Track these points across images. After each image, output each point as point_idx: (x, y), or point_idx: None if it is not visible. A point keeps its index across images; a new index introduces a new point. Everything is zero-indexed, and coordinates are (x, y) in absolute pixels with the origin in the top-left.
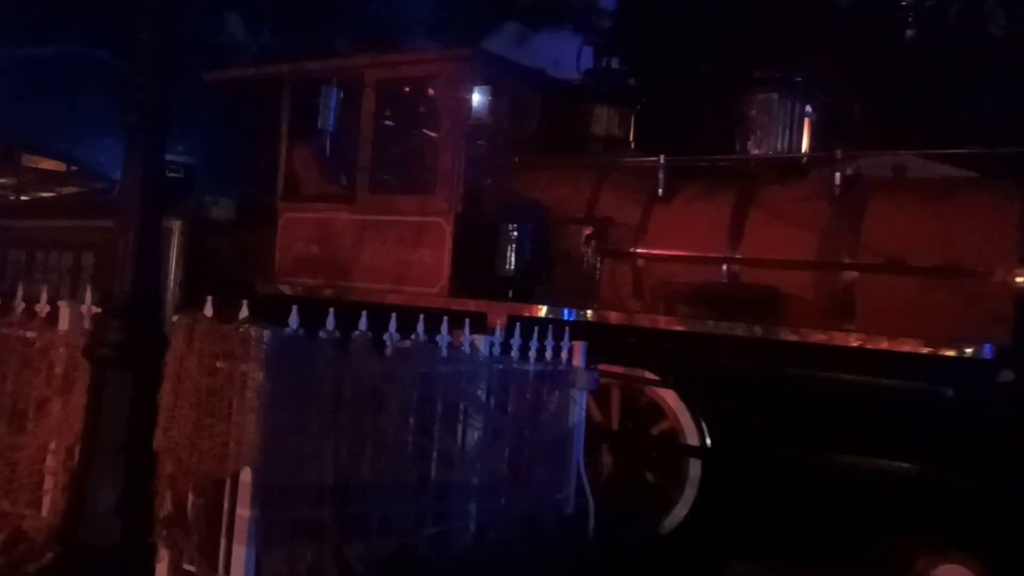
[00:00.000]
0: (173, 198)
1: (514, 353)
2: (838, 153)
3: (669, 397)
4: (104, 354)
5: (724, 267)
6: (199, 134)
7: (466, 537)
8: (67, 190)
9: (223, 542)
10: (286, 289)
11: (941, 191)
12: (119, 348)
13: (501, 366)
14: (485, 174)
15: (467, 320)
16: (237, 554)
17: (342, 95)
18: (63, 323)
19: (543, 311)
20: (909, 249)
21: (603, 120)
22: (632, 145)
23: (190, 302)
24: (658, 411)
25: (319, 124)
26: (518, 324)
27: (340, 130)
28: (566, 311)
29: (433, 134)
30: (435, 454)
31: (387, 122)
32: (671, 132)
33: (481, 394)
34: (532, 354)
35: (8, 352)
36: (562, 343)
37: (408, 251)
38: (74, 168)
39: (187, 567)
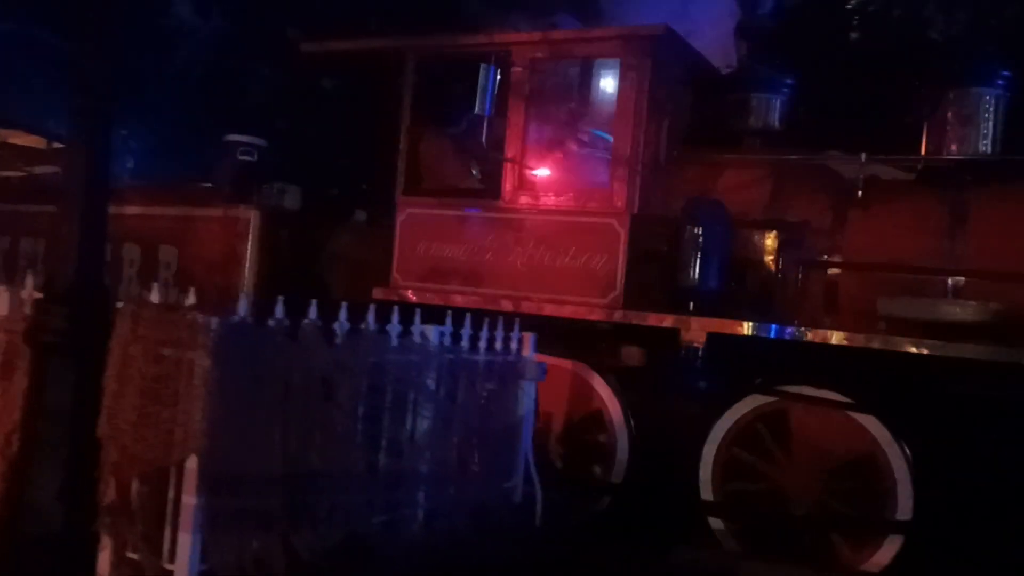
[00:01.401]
0: (246, 185)
1: (464, 343)
2: None
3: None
4: (46, 340)
5: (948, 282)
6: (281, 113)
7: (415, 525)
8: (41, 169)
9: (168, 530)
10: (411, 295)
11: None
12: (62, 334)
13: (451, 356)
14: (660, 170)
15: (412, 312)
16: (182, 542)
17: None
18: (2, 308)
19: (746, 328)
20: None
21: (761, 112)
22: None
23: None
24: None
25: (475, 108)
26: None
27: (480, 116)
28: (775, 328)
29: (601, 123)
30: (384, 443)
31: (541, 108)
32: (837, 127)
33: (431, 383)
34: (482, 345)
35: None
36: (512, 334)
37: (570, 256)
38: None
39: (131, 555)
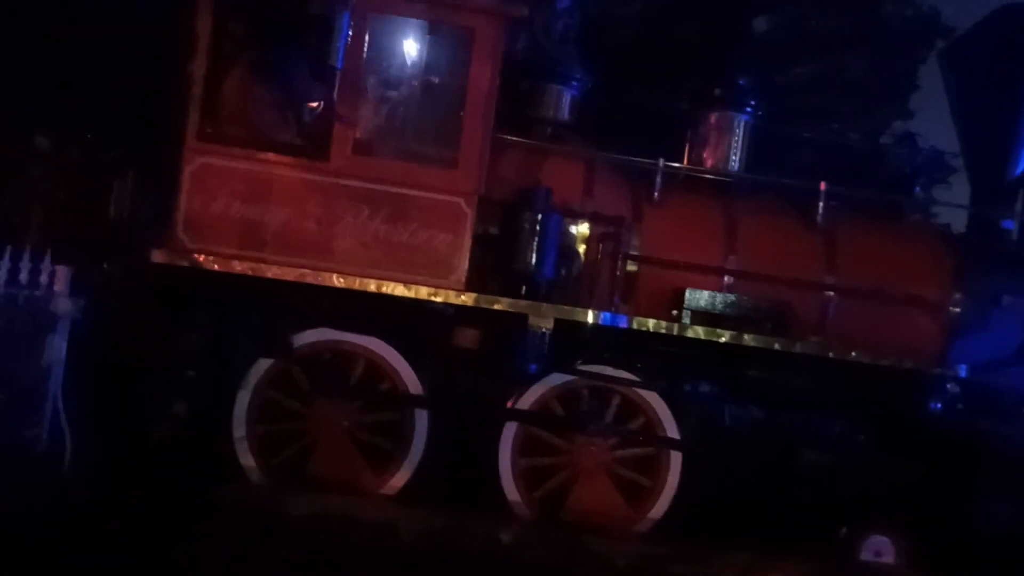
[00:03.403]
0: None
1: None
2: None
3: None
4: None
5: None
6: None
7: None
8: None
9: None
10: (206, 262)
11: None
12: None
13: None
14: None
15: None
16: None
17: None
18: None
19: (590, 316)
20: None
21: (552, 103)
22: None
23: None
24: None
25: (328, 60)
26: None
27: (330, 67)
28: (620, 319)
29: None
30: None
31: (385, 66)
32: (616, 129)
33: None
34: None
35: None
36: (42, 266)
37: (410, 232)
38: None
39: None
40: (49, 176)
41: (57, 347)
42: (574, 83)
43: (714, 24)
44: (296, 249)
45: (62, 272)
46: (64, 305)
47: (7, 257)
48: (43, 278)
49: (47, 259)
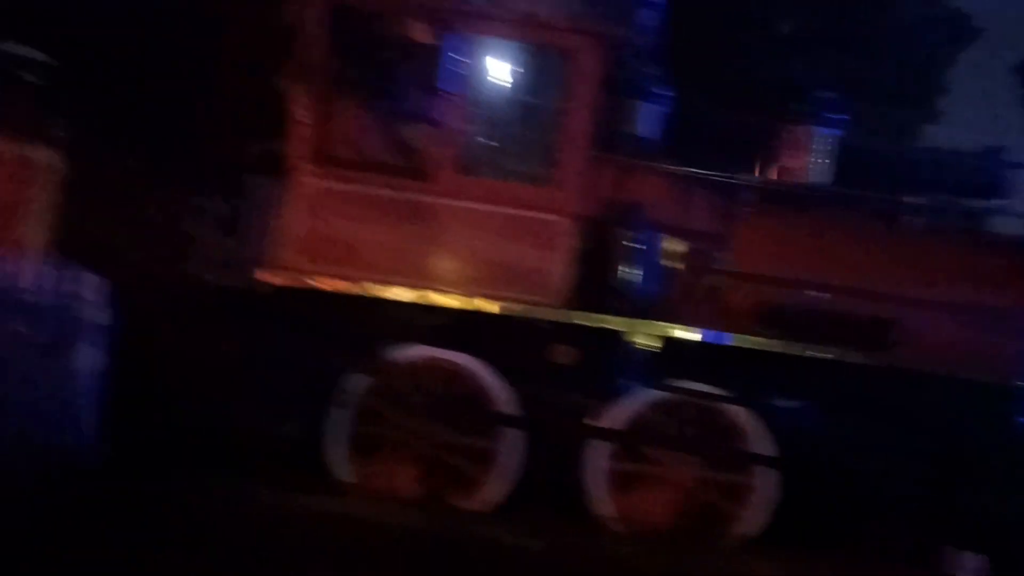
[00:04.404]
0: (33, 115)
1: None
2: None
3: None
4: None
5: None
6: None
7: None
8: None
9: None
10: (317, 283)
11: None
12: None
13: None
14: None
15: None
16: None
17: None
18: None
19: (690, 333)
20: None
21: (639, 118)
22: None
23: None
24: None
25: (433, 83)
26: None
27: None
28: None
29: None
30: None
31: (487, 87)
32: (702, 143)
33: None
34: (35, 285)
35: None
36: (74, 274)
37: (511, 250)
38: None
39: None
40: (136, 193)
41: (90, 355)
42: (660, 98)
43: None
44: (398, 267)
45: (94, 281)
46: (94, 312)
47: (46, 267)
48: (75, 287)
49: (80, 269)
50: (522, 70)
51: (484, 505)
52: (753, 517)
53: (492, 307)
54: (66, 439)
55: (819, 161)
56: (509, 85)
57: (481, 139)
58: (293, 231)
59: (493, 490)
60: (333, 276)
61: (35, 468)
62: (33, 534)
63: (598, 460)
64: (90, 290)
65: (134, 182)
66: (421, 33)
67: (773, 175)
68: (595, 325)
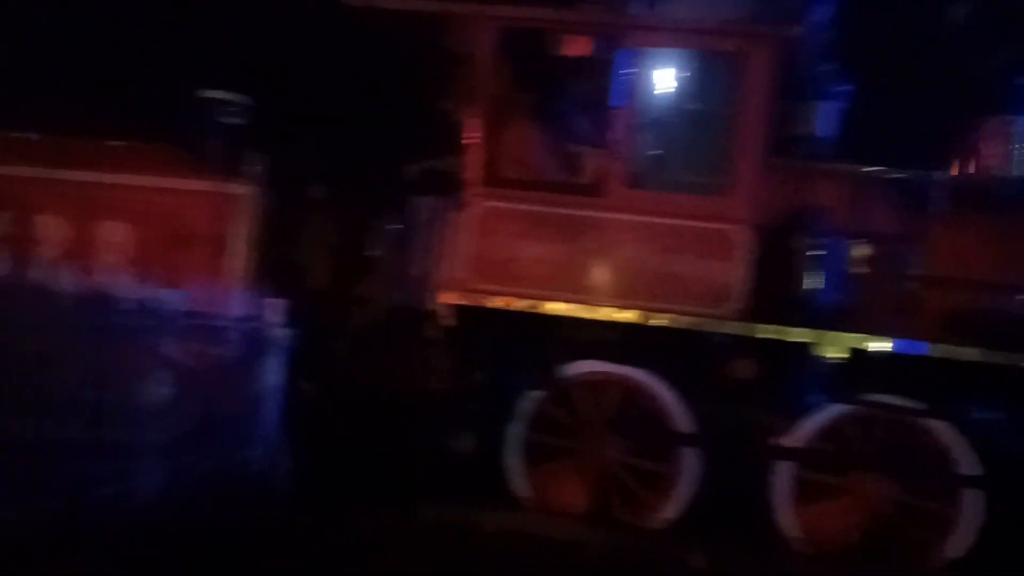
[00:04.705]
0: (234, 153)
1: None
2: None
3: None
4: None
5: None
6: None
7: (146, 496)
8: None
9: None
10: (495, 301)
11: None
12: None
13: (189, 322)
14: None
15: None
16: None
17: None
18: None
19: (883, 344)
20: None
21: (815, 119)
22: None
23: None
24: None
25: (603, 98)
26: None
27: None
28: (918, 346)
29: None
30: (114, 410)
31: (657, 98)
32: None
33: (167, 349)
34: (225, 310)
35: None
36: (261, 298)
37: (686, 262)
38: None
39: None
40: (323, 222)
41: (273, 373)
42: (840, 96)
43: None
44: (573, 284)
45: (279, 304)
46: (277, 335)
47: (238, 293)
48: (262, 311)
49: (262, 294)
50: (691, 78)
51: (660, 522)
52: (954, 540)
53: (669, 321)
54: (254, 458)
55: (1017, 153)
56: (678, 95)
57: (651, 151)
58: (469, 251)
59: (670, 507)
60: (508, 295)
61: (230, 486)
62: (225, 551)
63: (783, 477)
64: (275, 313)
65: (320, 210)
66: (589, 49)
67: (969, 170)
68: (778, 338)
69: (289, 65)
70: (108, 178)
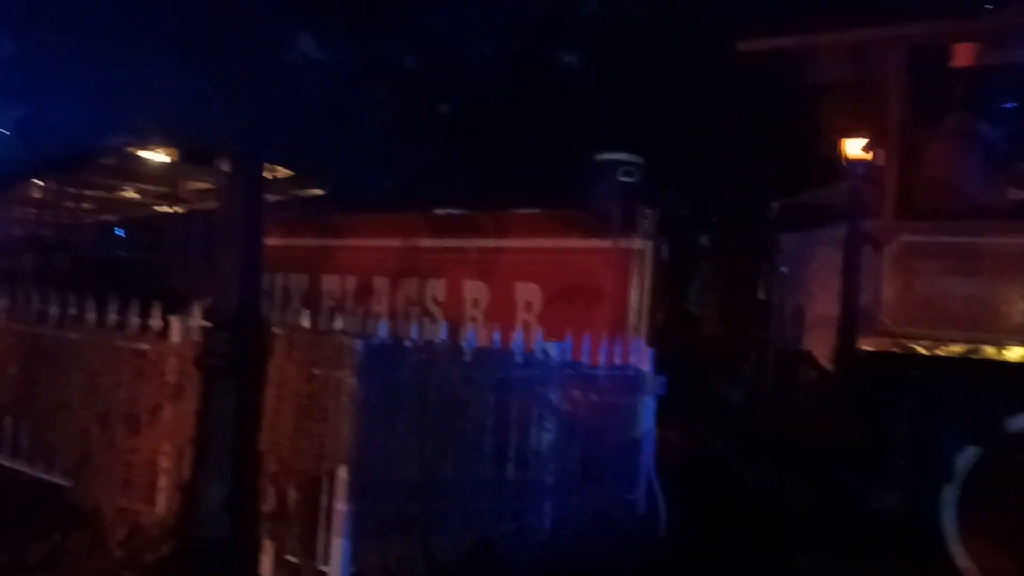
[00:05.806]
0: (628, 208)
1: (584, 358)
2: None
3: None
4: (213, 363)
5: None
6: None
7: (542, 532)
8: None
9: (322, 534)
10: (918, 347)
11: None
12: (226, 358)
13: (572, 371)
14: None
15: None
16: (335, 546)
17: None
18: (175, 336)
19: None
20: None
21: None
22: None
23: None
24: None
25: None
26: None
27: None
28: None
29: None
30: (511, 453)
31: None
32: None
33: (554, 397)
34: (602, 359)
35: (123, 363)
36: (630, 348)
37: None
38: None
39: (289, 558)
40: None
41: (647, 419)
42: None
43: None
44: (1010, 325)
45: (646, 352)
46: (650, 381)
47: (605, 343)
48: (631, 358)
49: (636, 342)
50: None
51: None
52: None
53: None
54: (631, 504)
55: None
56: None
57: None
58: (889, 292)
59: None
60: (935, 339)
61: (615, 524)
62: None
63: None
64: (648, 360)
65: (709, 256)
66: (1003, 58)
67: None
68: None
69: (676, 119)
70: (520, 244)
